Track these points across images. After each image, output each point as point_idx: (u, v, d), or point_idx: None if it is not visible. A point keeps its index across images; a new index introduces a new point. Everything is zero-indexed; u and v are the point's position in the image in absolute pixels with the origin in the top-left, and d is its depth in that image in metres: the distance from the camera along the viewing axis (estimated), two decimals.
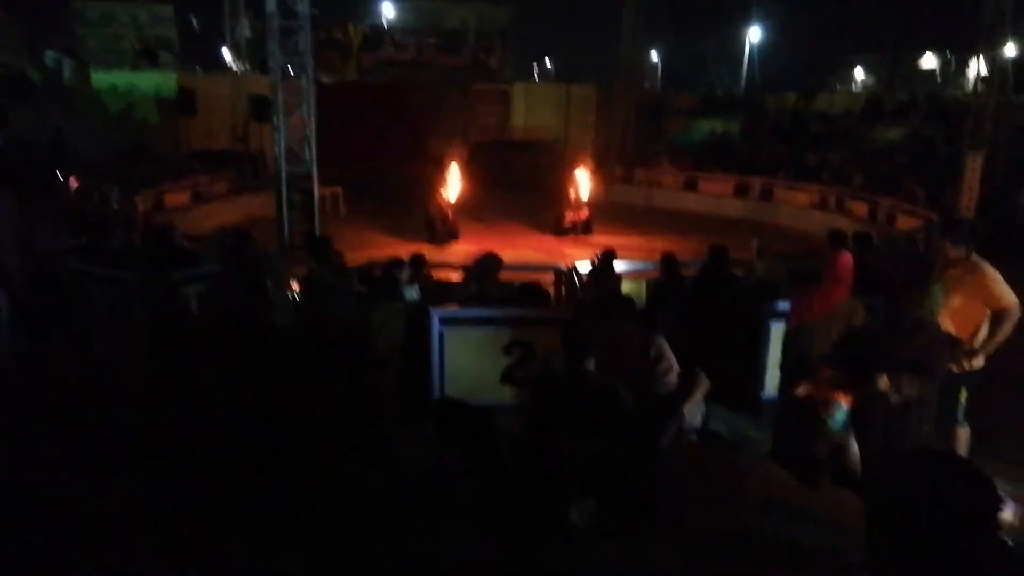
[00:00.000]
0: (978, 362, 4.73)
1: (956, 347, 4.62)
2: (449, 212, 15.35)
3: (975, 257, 4.76)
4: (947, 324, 4.68)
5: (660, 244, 13.29)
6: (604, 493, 3.15)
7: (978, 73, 16.90)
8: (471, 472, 3.61)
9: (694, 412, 3.48)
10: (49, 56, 20.47)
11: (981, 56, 15.54)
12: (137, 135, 19.62)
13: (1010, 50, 16.93)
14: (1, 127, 16.49)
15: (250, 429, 4.34)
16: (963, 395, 4.74)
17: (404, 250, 8.09)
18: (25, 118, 17.83)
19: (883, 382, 4.06)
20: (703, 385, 3.46)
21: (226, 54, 23.88)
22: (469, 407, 3.46)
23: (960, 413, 4.78)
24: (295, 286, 6.09)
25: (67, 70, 19.83)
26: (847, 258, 5.28)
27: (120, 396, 5.29)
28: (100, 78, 21.22)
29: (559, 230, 16.20)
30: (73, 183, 12.49)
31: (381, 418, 5.07)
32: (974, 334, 4.69)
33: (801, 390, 4.18)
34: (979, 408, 4.86)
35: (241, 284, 5.27)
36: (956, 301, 4.67)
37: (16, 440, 4.60)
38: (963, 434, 4.87)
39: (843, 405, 4.21)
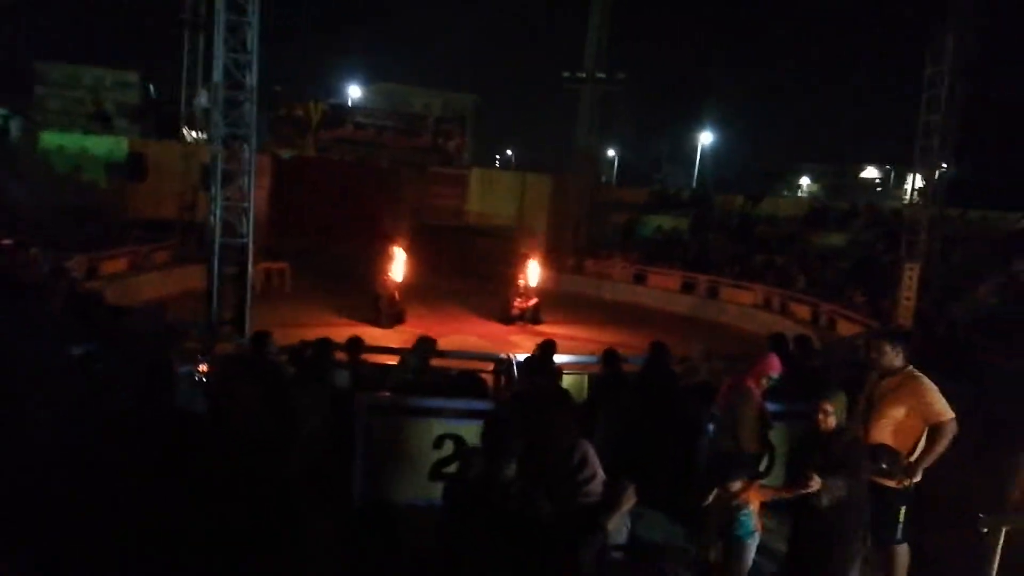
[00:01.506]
0: (917, 477, 4.59)
1: (896, 462, 4.49)
2: (396, 294, 15.12)
3: (911, 368, 4.69)
4: (887, 437, 4.57)
5: (607, 336, 13.24)
6: None
7: (914, 186, 17.67)
8: None
9: (619, 527, 3.23)
10: None
11: (917, 170, 16.27)
12: (83, 198, 19.14)
13: (944, 168, 17.78)
14: None
15: (153, 519, 3.92)
16: (902, 513, 4.58)
17: (347, 331, 7.80)
18: None
19: (815, 482, 3.99)
20: (629, 498, 3.23)
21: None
22: (376, 509, 3.15)
23: (899, 531, 4.60)
24: (203, 367, 5.73)
25: (14, 128, 19.44)
26: (773, 361, 5.35)
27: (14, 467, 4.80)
28: (49, 138, 20.86)
29: (507, 318, 16.08)
30: (5, 242, 11.93)
31: (295, 512, 4.67)
32: (912, 449, 4.57)
33: (714, 494, 4.13)
34: (916, 526, 4.70)
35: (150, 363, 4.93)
36: (898, 413, 4.57)
37: None
38: (902, 552, 4.70)
39: (750, 508, 4.14)
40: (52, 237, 14.51)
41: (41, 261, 11.40)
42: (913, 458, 4.55)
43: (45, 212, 17.17)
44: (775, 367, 5.31)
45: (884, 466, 4.51)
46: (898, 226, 18.75)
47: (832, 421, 4.22)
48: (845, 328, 14.95)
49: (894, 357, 4.66)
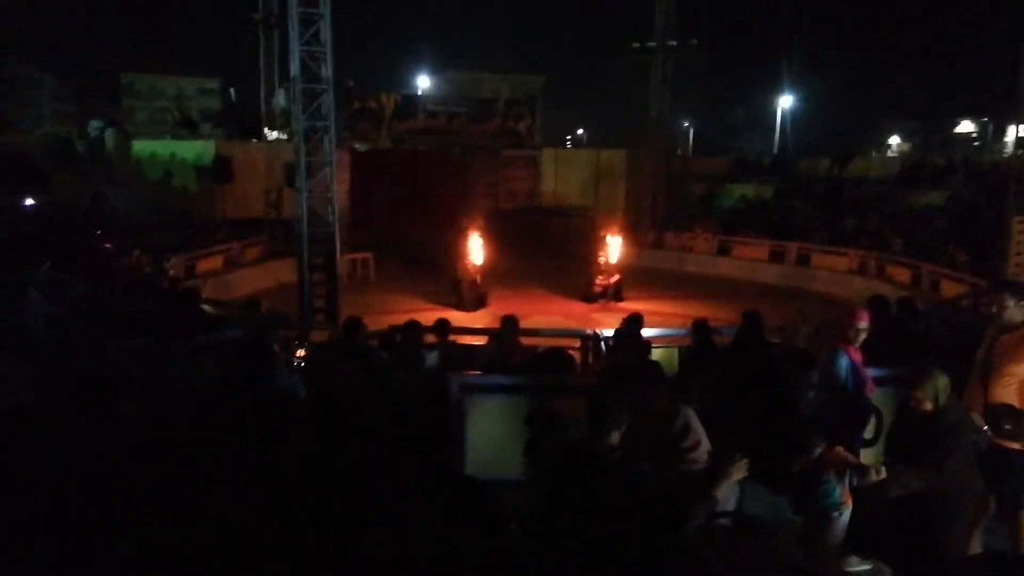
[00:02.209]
0: None
1: (1020, 423, 4.20)
2: (477, 278, 15.22)
3: None
4: (1010, 396, 4.30)
5: (692, 310, 12.94)
6: None
7: (1017, 137, 16.57)
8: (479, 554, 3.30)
9: (727, 495, 3.13)
10: (92, 126, 21.22)
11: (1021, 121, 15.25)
12: (176, 201, 20.05)
13: None
14: (42, 191, 17.00)
15: (258, 500, 4.07)
16: None
17: (432, 315, 7.89)
18: (67, 183, 18.40)
19: (878, 473, 3.78)
20: (740, 468, 3.12)
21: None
22: (475, 484, 3.16)
23: None
24: (300, 352, 5.90)
25: (109, 139, 20.49)
26: (858, 312, 5.21)
27: (136, 462, 5.06)
28: (141, 147, 21.87)
29: (589, 296, 15.95)
30: (105, 246, 12.65)
31: (395, 489, 4.75)
32: None
33: (800, 462, 3.92)
34: None
35: (250, 351, 5.10)
36: (1020, 371, 4.28)
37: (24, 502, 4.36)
38: None
39: (832, 477, 3.92)
40: (150, 240, 15.30)
41: (143, 262, 12.05)
42: None
43: (142, 216, 18.12)
44: (861, 317, 5.08)
45: (1008, 427, 4.23)
46: (1000, 180, 17.65)
47: (928, 406, 3.92)
48: (949, 289, 14.18)
49: (1016, 311, 4.36)
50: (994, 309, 4.48)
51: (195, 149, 21.39)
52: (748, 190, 25.35)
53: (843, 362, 4.98)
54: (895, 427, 4.10)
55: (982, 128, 57.35)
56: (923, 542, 3.88)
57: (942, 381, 4.00)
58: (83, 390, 5.63)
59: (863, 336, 5.08)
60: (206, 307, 8.55)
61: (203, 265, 15.98)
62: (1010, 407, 4.28)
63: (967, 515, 4.09)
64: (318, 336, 9.52)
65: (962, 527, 4.08)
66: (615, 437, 3.36)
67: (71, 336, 7.07)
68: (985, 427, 4.28)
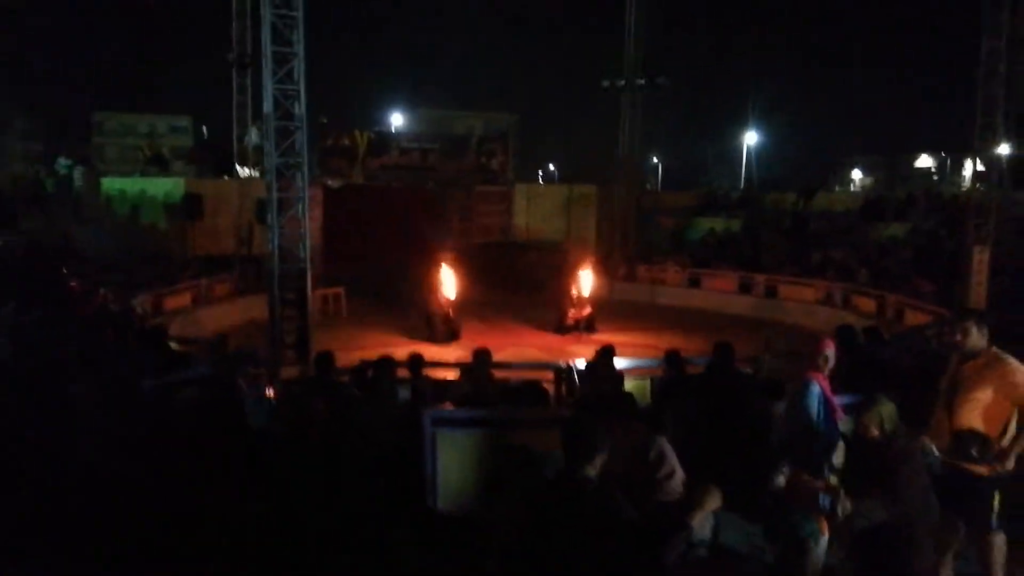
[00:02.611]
0: (1010, 463, 4.36)
1: (986, 447, 4.28)
2: (450, 311, 15.20)
3: (995, 349, 4.48)
4: (976, 421, 4.37)
5: (665, 341, 13.00)
6: None
7: (974, 170, 17.09)
8: None
9: (703, 525, 3.13)
10: (60, 164, 21.02)
11: (977, 154, 15.76)
12: (145, 239, 19.83)
13: (1004, 149, 17.18)
14: (11, 229, 16.73)
15: (233, 534, 3.99)
16: (996, 500, 4.35)
17: (405, 349, 7.87)
18: (36, 222, 18.14)
19: (843, 507, 3.75)
20: (714, 499, 3.13)
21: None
22: (451, 520, 3.14)
23: (993, 520, 4.37)
24: (270, 391, 5.83)
25: (77, 177, 20.28)
26: (825, 341, 5.21)
27: (101, 494, 4.93)
28: (110, 184, 21.66)
29: (562, 328, 16.01)
30: (72, 285, 12.44)
31: (371, 524, 4.69)
32: (1003, 433, 4.36)
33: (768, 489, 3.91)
34: (1014, 514, 4.46)
35: (218, 386, 5.04)
36: (984, 396, 4.36)
37: None
38: (998, 542, 4.46)
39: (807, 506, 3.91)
40: (118, 278, 15.08)
41: (110, 300, 11.86)
42: (1005, 443, 4.34)
43: (110, 254, 17.88)
44: (827, 345, 5.16)
45: (973, 452, 4.30)
46: (959, 212, 18.15)
47: (875, 432, 3.95)
48: (913, 318, 14.46)
49: (979, 338, 4.45)
50: (958, 337, 4.56)
51: (165, 186, 21.25)
52: (716, 223, 25.74)
53: (814, 390, 5.03)
54: (849, 456, 4.12)
55: (940, 163, 59.06)
56: (891, 572, 3.89)
57: (887, 408, 4.03)
58: (40, 430, 5.52)
59: (831, 363, 5.15)
60: (173, 344, 8.42)
61: (171, 302, 15.77)
62: (975, 432, 4.35)
63: (930, 541, 4.12)
64: (289, 372, 9.43)
65: (927, 553, 4.11)
66: (592, 469, 3.35)
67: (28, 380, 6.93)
68: (936, 451, 4.34)
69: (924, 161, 61.45)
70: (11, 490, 4.54)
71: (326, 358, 6.72)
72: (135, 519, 4.03)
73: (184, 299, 16.42)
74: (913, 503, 3.94)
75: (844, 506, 3.67)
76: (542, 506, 3.31)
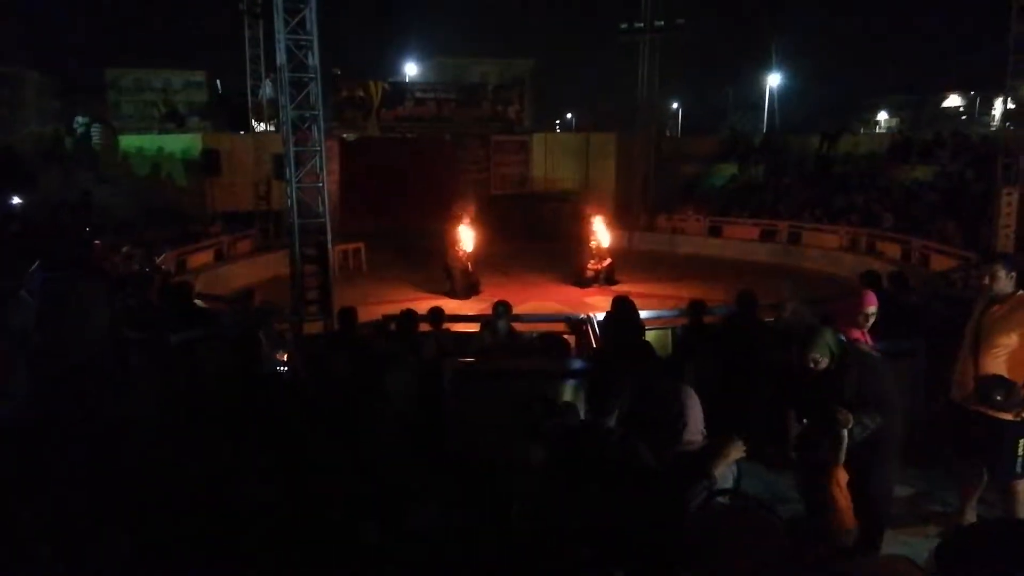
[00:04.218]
0: None
1: (1011, 392, 4.24)
2: (469, 265, 15.20)
3: (1022, 292, 4.41)
4: (1000, 367, 4.33)
5: (686, 291, 12.99)
6: (625, 557, 2.85)
7: (1005, 110, 16.60)
8: (480, 536, 3.34)
9: (725, 474, 3.16)
10: (78, 122, 21.03)
11: (1008, 93, 15.29)
12: (165, 196, 19.92)
13: None
14: (31, 190, 16.86)
15: (255, 487, 4.09)
16: (1020, 446, 4.34)
17: (426, 304, 7.90)
18: (55, 181, 18.26)
19: (844, 417, 3.77)
20: (737, 449, 3.14)
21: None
22: (479, 466, 3.20)
23: (1018, 466, 4.37)
24: (283, 355, 5.88)
25: (95, 134, 20.31)
26: (867, 296, 5.16)
27: (128, 454, 5.06)
28: (128, 141, 21.68)
29: (582, 280, 15.97)
30: (95, 243, 12.57)
31: (393, 476, 4.79)
32: None
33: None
34: None
35: (244, 343, 5.10)
36: (1010, 341, 4.31)
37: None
38: (1023, 488, 4.46)
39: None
40: (140, 235, 15.22)
41: (134, 259, 11.98)
42: None
43: (131, 212, 18.01)
44: (871, 302, 5.10)
45: (998, 398, 4.27)
46: (988, 153, 17.69)
47: (825, 363, 3.93)
48: (939, 263, 14.26)
49: (1007, 282, 4.38)
50: (986, 280, 4.49)
51: (182, 142, 21.23)
52: (739, 169, 25.35)
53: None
54: (809, 396, 4.11)
55: (969, 102, 57.42)
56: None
57: (829, 334, 4.01)
58: (78, 383, 5.62)
59: (872, 320, 5.11)
60: (198, 301, 8.52)
61: (194, 260, 15.93)
62: (1001, 378, 4.32)
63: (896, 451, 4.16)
64: (312, 328, 9.52)
65: (892, 464, 4.16)
66: (613, 419, 3.39)
67: (63, 329, 7.03)
68: (875, 352, 4.33)
69: (953, 100, 59.80)
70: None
71: (350, 313, 6.78)
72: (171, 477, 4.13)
73: (206, 256, 16.57)
74: (897, 408, 4.01)
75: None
76: (564, 456, 3.36)
